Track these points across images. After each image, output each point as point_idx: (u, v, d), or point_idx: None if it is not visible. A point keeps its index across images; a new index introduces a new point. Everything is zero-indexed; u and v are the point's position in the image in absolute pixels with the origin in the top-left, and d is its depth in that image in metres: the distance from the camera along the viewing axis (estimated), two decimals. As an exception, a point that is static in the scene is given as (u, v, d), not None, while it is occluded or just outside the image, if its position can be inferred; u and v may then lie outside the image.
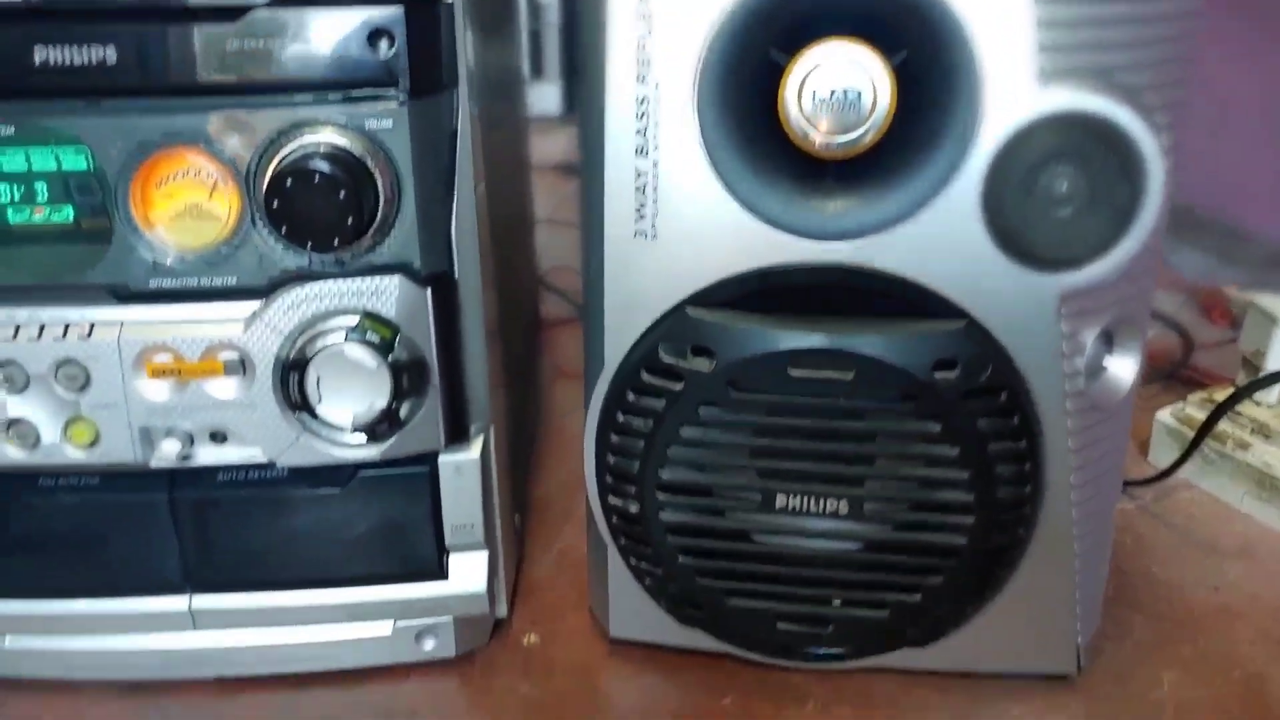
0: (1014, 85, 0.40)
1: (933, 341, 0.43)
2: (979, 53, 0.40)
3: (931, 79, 0.40)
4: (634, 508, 0.48)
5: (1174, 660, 0.53)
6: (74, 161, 0.43)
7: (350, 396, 0.45)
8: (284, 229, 0.42)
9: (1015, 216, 0.42)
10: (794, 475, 0.45)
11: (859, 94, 0.40)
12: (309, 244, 0.43)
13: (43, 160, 0.42)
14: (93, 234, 0.43)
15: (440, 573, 0.51)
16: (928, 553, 0.46)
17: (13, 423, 0.45)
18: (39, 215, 0.43)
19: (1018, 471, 0.45)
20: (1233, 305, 0.89)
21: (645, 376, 0.46)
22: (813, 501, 0.46)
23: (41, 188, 0.43)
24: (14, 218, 0.43)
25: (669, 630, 0.52)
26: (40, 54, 0.41)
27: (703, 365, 0.44)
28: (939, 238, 0.42)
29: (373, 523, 0.49)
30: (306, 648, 0.51)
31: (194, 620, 0.50)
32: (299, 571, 0.50)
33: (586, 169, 0.46)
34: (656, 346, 0.45)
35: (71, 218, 0.43)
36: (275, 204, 0.42)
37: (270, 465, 0.47)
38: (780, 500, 0.46)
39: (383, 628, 0.51)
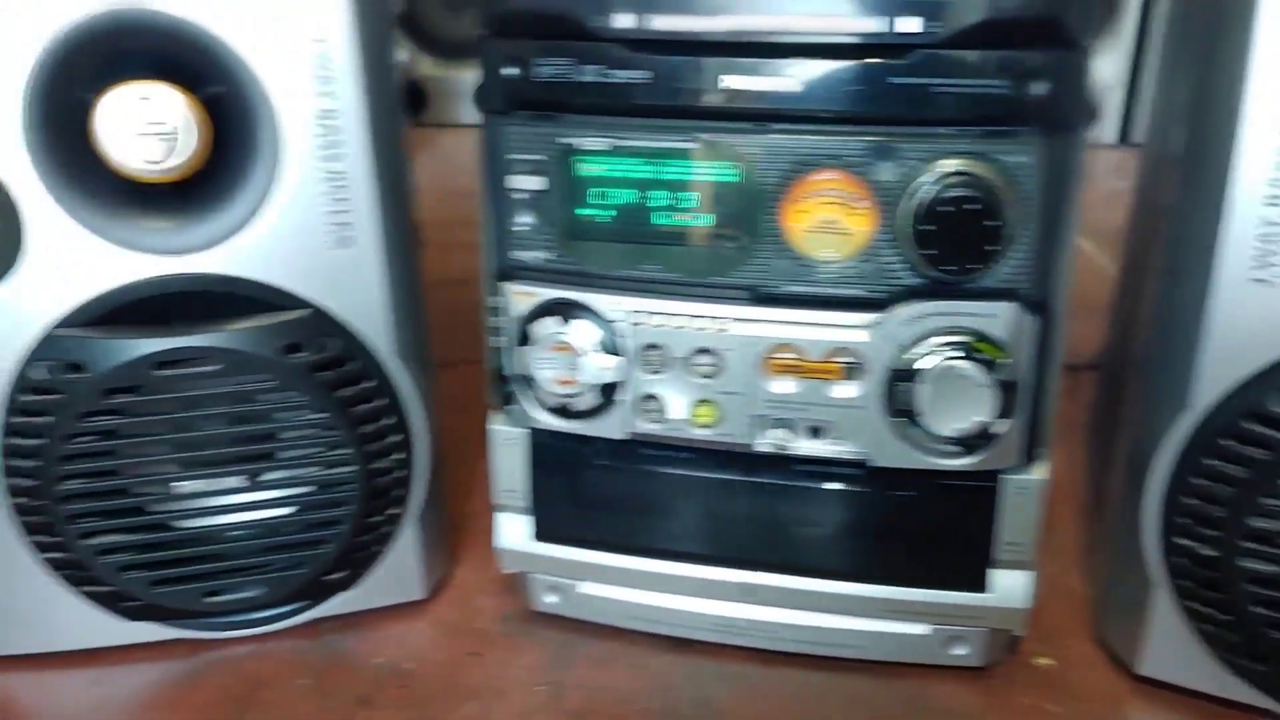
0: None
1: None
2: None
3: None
4: (1210, 552, 0.48)
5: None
6: (727, 175, 0.48)
7: (954, 410, 0.48)
8: (927, 249, 0.46)
9: None
10: None
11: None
12: (944, 265, 0.46)
13: (700, 173, 0.49)
14: (739, 240, 0.49)
15: (980, 585, 0.53)
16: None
17: (647, 398, 0.52)
18: (684, 220, 0.49)
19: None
20: None
21: (1245, 424, 0.46)
22: None
23: (692, 197, 0.49)
24: (661, 220, 0.50)
25: (1205, 677, 0.52)
26: (726, 80, 0.47)
27: (1325, 418, 0.43)
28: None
29: (932, 528, 0.52)
30: (847, 634, 0.55)
31: (749, 593, 0.55)
32: (851, 564, 0.54)
33: (1193, 210, 0.47)
34: (1264, 396, 0.45)
35: (712, 224, 0.49)
36: (924, 227, 0.45)
37: (848, 462, 0.51)
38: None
39: (920, 628, 0.54)
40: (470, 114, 0.51)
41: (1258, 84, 0.43)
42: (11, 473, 0.51)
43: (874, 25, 0.44)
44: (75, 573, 0.54)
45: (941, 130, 0.46)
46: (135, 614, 0.56)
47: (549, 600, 0.59)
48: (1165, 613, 0.52)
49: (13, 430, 0.51)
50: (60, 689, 0.55)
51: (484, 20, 0.50)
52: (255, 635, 0.58)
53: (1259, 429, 0.46)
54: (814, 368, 0.49)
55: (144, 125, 0.48)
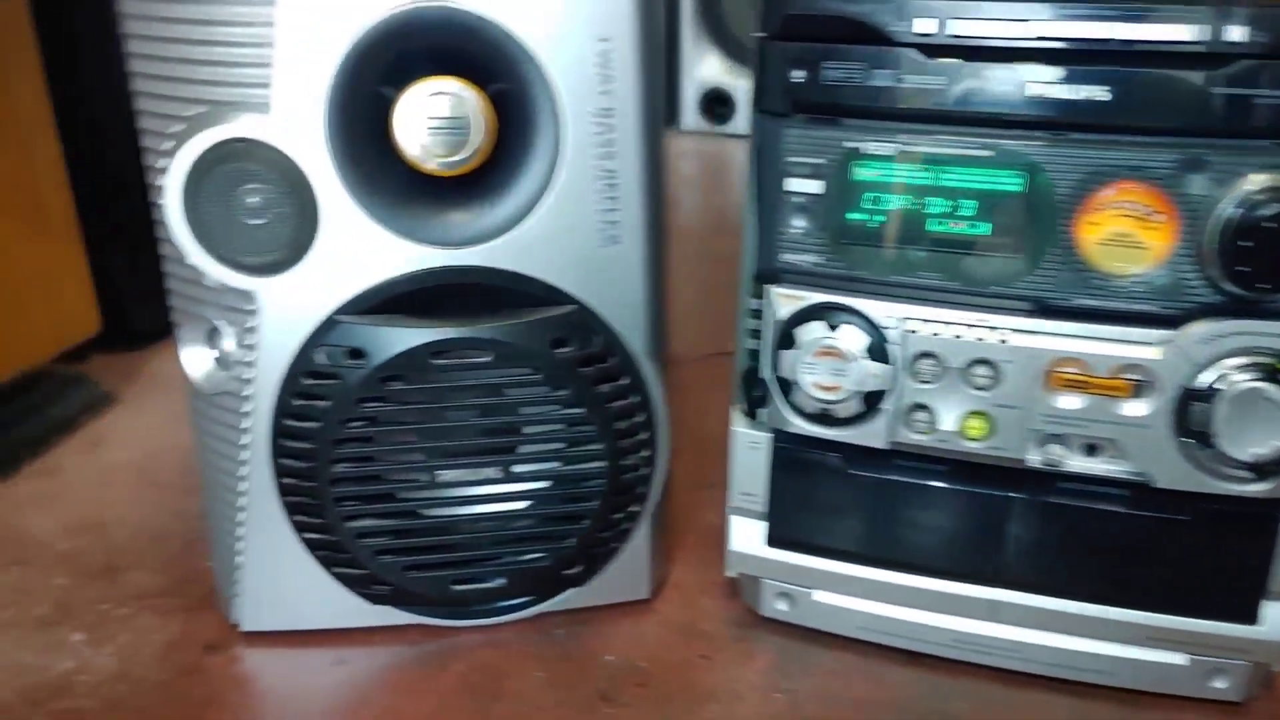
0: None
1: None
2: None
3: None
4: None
5: None
6: (1015, 185, 0.47)
7: (1253, 433, 0.46)
8: (1240, 266, 0.44)
9: None
10: None
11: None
12: (1259, 283, 0.44)
13: (985, 179, 0.48)
14: (1025, 250, 0.48)
15: (1252, 617, 0.51)
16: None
17: (917, 407, 0.51)
18: (967, 228, 0.49)
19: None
20: None
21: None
22: None
23: (970, 204, 0.48)
24: (937, 226, 0.49)
25: None
26: (1032, 88, 0.46)
27: None
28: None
29: (1205, 554, 0.50)
30: (1098, 659, 0.53)
31: (994, 611, 0.54)
32: (1110, 586, 0.52)
33: None
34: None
35: (997, 233, 0.48)
36: (1240, 243, 0.44)
37: (1119, 482, 0.50)
38: None
39: (1178, 658, 0.53)
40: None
41: None
42: (283, 453, 0.53)
43: (1198, 33, 0.43)
44: (332, 554, 0.55)
45: (1258, 143, 0.44)
46: (381, 598, 0.57)
47: (778, 606, 0.59)
48: None
49: (290, 413, 0.52)
50: (306, 666, 0.57)
51: (766, 23, 0.50)
52: (485, 626, 0.59)
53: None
54: (1101, 384, 0.48)
55: (439, 120, 0.49)
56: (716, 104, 1.83)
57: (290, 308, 0.51)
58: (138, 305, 0.94)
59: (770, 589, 0.59)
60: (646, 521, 0.59)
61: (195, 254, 0.50)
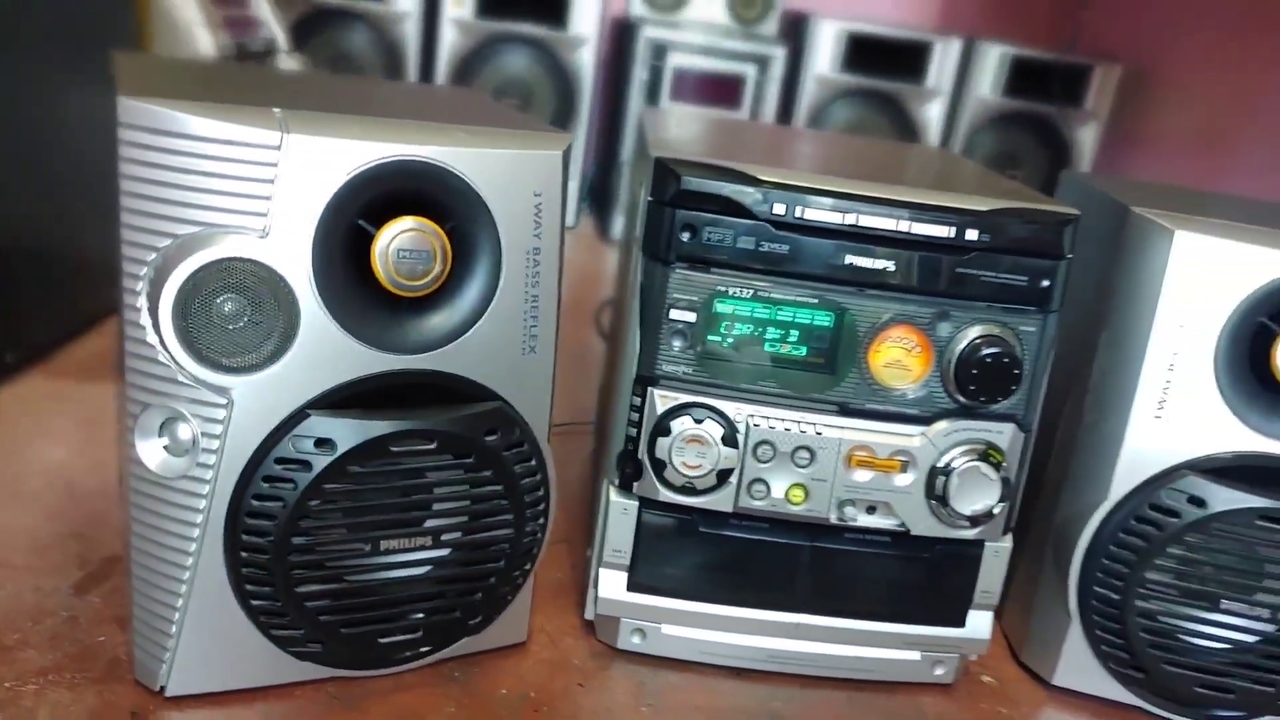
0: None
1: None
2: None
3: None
4: (1115, 595, 0.72)
5: None
6: (824, 321, 0.67)
7: (974, 497, 0.68)
8: (971, 388, 0.67)
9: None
10: (1233, 586, 0.70)
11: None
12: (980, 398, 0.67)
13: (807, 317, 0.67)
14: (833, 369, 0.67)
15: (961, 622, 0.74)
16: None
17: (756, 481, 0.68)
18: (787, 350, 0.68)
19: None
20: None
21: (1143, 511, 0.70)
22: (1244, 607, 0.70)
23: (796, 334, 0.67)
24: (771, 349, 0.68)
25: (1102, 684, 0.75)
26: (849, 258, 0.66)
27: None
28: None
29: (934, 580, 0.72)
30: (865, 661, 0.74)
31: (797, 631, 0.73)
32: (875, 607, 0.73)
33: (1117, 372, 0.71)
34: (1156, 493, 0.70)
35: (805, 354, 0.68)
36: (971, 371, 0.66)
37: (883, 532, 0.70)
38: (1222, 603, 0.70)
39: (915, 655, 0.74)
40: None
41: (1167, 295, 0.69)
42: (246, 530, 0.59)
43: (951, 233, 0.65)
44: (273, 618, 0.62)
45: (979, 304, 0.67)
46: (309, 655, 0.64)
47: (634, 640, 0.73)
48: (1076, 639, 0.75)
49: (257, 494, 0.59)
50: (238, 722, 0.62)
51: (659, 190, 0.66)
52: (393, 674, 0.68)
53: (1151, 514, 0.70)
54: (882, 463, 0.69)
55: (408, 251, 0.59)
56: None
57: (262, 401, 0.59)
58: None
59: (627, 626, 0.73)
60: (532, 577, 0.71)
61: (181, 357, 0.56)
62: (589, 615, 0.74)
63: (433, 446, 0.62)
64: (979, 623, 0.74)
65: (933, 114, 2.06)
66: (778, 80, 2.03)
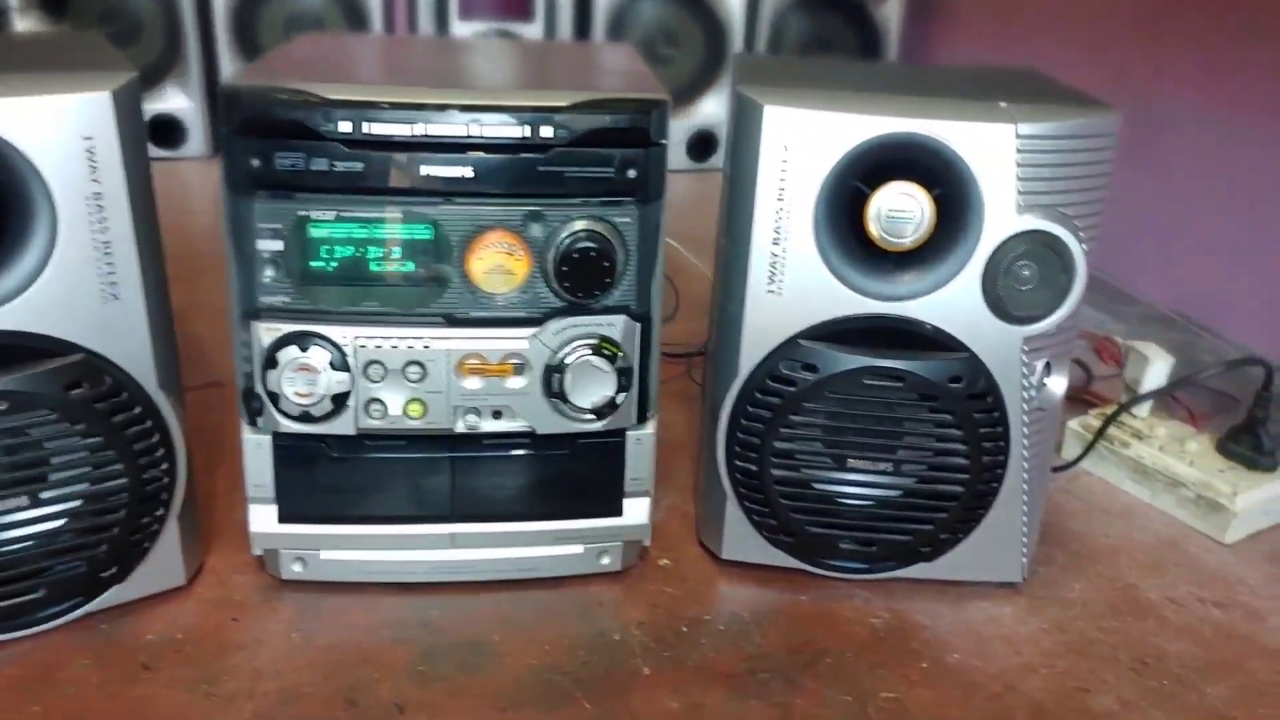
0: (1003, 212, 0.69)
1: (948, 365, 0.71)
2: (983, 192, 0.68)
3: (956, 206, 0.69)
4: (754, 468, 0.74)
5: (1080, 577, 0.82)
6: (424, 234, 0.67)
7: (590, 390, 0.70)
8: (566, 285, 0.68)
9: (999, 290, 0.70)
10: (857, 445, 0.73)
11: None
12: (578, 294, 0.68)
13: (403, 233, 0.67)
14: (436, 281, 0.68)
15: (618, 511, 0.76)
16: (939, 497, 0.74)
17: (372, 400, 0.69)
18: (391, 266, 0.68)
19: (995, 448, 0.74)
20: (1119, 348, 1.20)
21: (767, 382, 0.73)
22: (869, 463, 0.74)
23: (397, 250, 0.67)
24: (375, 268, 0.68)
25: (765, 553, 0.79)
26: (424, 169, 0.65)
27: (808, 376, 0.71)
28: (954, 302, 0.70)
29: (581, 474, 0.74)
30: (527, 560, 0.76)
31: (454, 540, 0.74)
32: (527, 507, 0.75)
33: (733, 247, 0.73)
34: (776, 364, 0.72)
35: (412, 269, 0.68)
36: (563, 268, 0.67)
37: (521, 434, 0.72)
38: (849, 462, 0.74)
39: (577, 548, 0.76)
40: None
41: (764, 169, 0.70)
42: None
43: (525, 132, 0.65)
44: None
45: (572, 201, 0.68)
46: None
47: (295, 569, 0.74)
48: (734, 514, 0.78)
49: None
50: None
51: (227, 120, 0.64)
52: (36, 633, 0.68)
53: (773, 385, 0.73)
54: (493, 369, 0.70)
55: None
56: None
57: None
58: None
59: (287, 556, 0.74)
60: (174, 523, 0.71)
61: None
62: (254, 551, 0.75)
63: (4, 407, 0.61)
64: (636, 509, 0.77)
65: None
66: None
